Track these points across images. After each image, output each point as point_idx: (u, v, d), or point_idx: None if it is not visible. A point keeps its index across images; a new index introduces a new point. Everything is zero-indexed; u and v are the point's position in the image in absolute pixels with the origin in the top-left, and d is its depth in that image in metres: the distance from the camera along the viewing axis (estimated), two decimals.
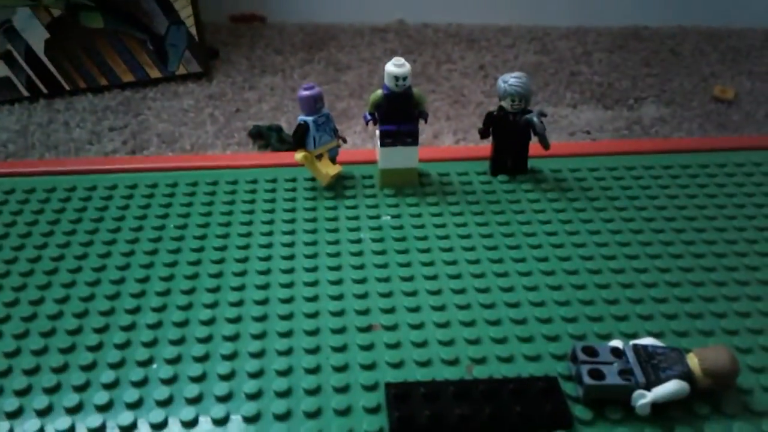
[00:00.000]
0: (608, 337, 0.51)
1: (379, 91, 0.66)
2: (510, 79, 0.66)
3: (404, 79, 0.64)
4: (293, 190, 0.69)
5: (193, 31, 1.31)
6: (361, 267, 0.58)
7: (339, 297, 0.55)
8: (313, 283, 0.57)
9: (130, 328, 0.52)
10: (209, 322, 0.52)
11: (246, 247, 0.61)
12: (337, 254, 0.60)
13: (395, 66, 0.64)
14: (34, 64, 1.28)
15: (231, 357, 0.49)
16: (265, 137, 1.20)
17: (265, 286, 0.56)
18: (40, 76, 1.28)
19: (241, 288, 0.56)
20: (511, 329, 0.52)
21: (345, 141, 0.70)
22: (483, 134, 0.70)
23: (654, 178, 0.70)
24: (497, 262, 0.59)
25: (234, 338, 0.51)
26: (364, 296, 0.55)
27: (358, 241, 0.61)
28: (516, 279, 0.57)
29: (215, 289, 0.56)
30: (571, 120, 1.23)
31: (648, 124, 1.22)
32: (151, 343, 0.51)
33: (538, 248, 0.60)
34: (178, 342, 0.51)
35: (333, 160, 0.69)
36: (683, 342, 0.51)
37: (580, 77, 1.39)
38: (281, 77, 1.35)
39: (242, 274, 0.58)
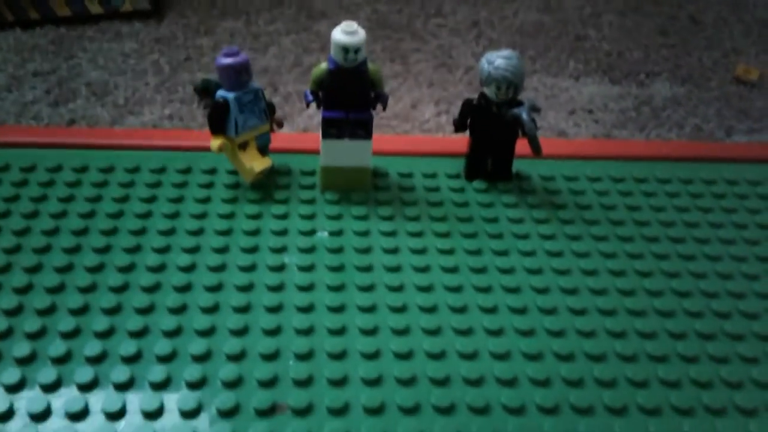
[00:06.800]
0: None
1: (324, 65, 0.50)
2: (497, 60, 0.51)
3: (356, 51, 0.48)
4: (208, 185, 0.53)
5: None
6: (277, 309, 0.44)
7: (238, 356, 0.40)
8: (207, 332, 0.42)
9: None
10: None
11: (128, 268, 0.46)
12: (247, 288, 0.45)
13: (344, 33, 0.48)
14: None
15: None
16: (213, 94, 1.00)
17: (141, 332, 0.41)
18: None
19: (108, 333, 0.41)
20: (461, 388, 0.38)
21: (281, 125, 0.55)
22: (458, 127, 0.54)
23: (669, 197, 0.55)
24: (459, 311, 0.44)
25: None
26: (273, 356, 0.41)
27: (280, 267, 0.46)
28: (480, 337, 0.42)
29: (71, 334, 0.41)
30: (572, 95, 1.08)
31: (659, 105, 1.07)
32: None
33: (515, 293, 0.46)
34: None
35: (263, 150, 0.54)
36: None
37: (586, 43, 1.22)
38: (244, 22, 1.18)
39: (117, 310, 0.43)
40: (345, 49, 0.48)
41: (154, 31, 1.13)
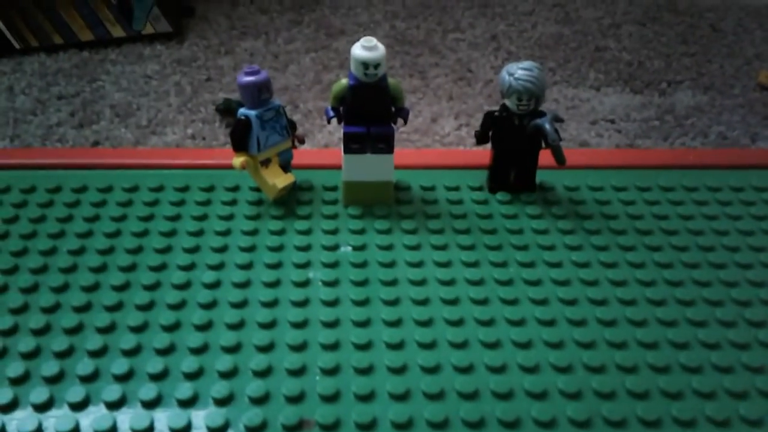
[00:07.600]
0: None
1: (344, 81, 0.50)
2: (517, 71, 0.50)
3: (376, 66, 0.48)
4: (231, 203, 0.53)
5: None
6: (302, 324, 0.43)
7: (264, 372, 0.40)
8: (233, 348, 0.42)
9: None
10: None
11: (154, 286, 0.46)
12: (272, 303, 0.45)
13: (364, 49, 0.48)
14: None
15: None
16: (235, 113, 1.01)
17: (168, 350, 0.41)
18: None
19: (135, 351, 0.41)
20: (491, 402, 0.37)
21: (302, 141, 0.55)
22: (480, 139, 0.54)
23: (697, 205, 0.54)
24: (486, 324, 0.44)
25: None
26: (299, 372, 0.40)
27: (304, 283, 0.46)
28: (509, 350, 0.42)
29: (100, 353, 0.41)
30: (594, 105, 1.07)
31: (682, 113, 1.05)
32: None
33: (542, 304, 0.45)
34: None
35: (285, 167, 0.54)
36: None
37: (606, 54, 1.22)
38: (263, 41, 1.19)
39: (143, 327, 0.43)
40: (365, 65, 0.48)
41: (176, 53, 1.14)
